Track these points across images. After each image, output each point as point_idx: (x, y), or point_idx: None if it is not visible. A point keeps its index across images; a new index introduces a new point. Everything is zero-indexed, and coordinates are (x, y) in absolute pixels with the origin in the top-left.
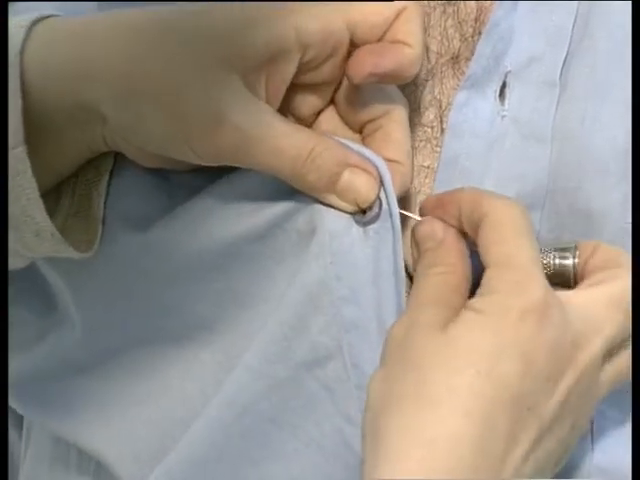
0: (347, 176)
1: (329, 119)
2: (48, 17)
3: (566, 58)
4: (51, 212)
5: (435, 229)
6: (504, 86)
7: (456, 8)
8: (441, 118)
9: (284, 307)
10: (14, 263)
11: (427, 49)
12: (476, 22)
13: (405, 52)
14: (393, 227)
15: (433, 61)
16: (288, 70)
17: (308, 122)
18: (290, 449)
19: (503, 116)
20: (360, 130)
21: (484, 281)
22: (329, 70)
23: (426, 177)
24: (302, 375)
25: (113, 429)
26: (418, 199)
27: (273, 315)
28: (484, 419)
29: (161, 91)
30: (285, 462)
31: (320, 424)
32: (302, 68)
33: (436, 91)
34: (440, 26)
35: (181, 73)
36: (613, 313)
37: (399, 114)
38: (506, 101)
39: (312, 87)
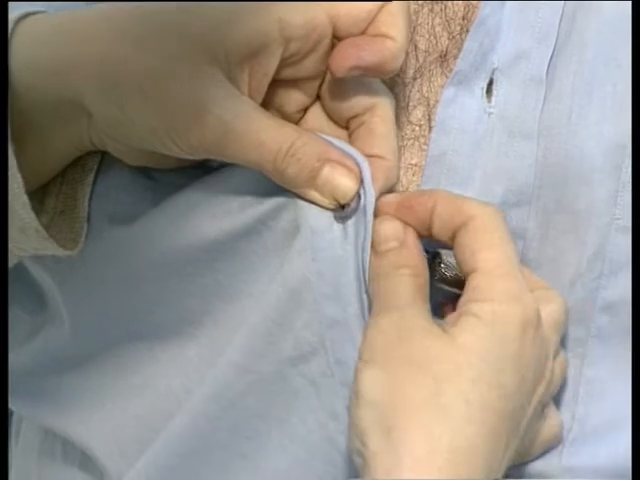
0: (327, 171)
1: (316, 116)
2: (34, 13)
3: (553, 55)
4: (37, 211)
5: (397, 229)
6: (491, 83)
7: (444, 6)
8: (429, 116)
9: (268, 303)
10: None
11: (415, 47)
12: (464, 20)
13: (388, 45)
14: (366, 223)
15: (421, 59)
16: (270, 64)
17: (295, 119)
18: (276, 443)
19: (490, 113)
20: (346, 126)
21: (473, 286)
22: (312, 64)
23: (414, 175)
24: (287, 370)
25: (100, 423)
26: None
27: (257, 310)
28: (494, 432)
29: (144, 83)
30: (271, 456)
31: (305, 419)
32: (284, 62)
33: (424, 89)
34: (428, 24)
35: (164, 65)
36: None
37: (383, 109)
38: (493, 98)
39: (296, 83)
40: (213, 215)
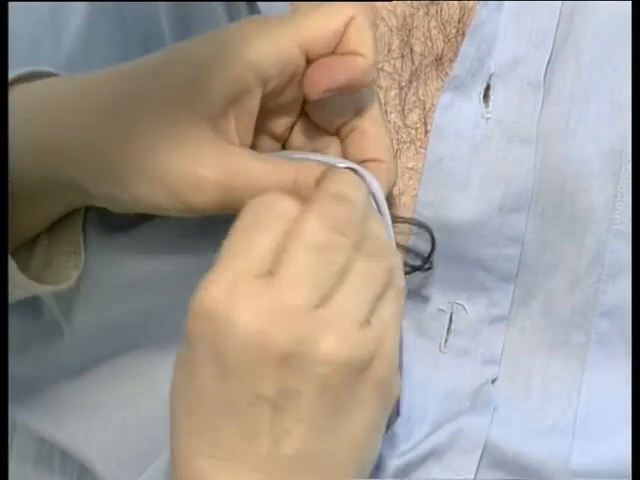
0: None
1: (304, 129)
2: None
3: (550, 59)
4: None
5: None
6: (488, 88)
7: (439, 9)
8: (425, 119)
9: None
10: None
11: (411, 50)
12: (459, 23)
13: (358, 62)
14: (388, 232)
15: (417, 62)
16: (252, 105)
17: (284, 137)
18: None
19: (487, 118)
20: (336, 133)
21: None
22: (292, 92)
23: (410, 179)
24: None
25: (97, 433)
26: (402, 200)
27: None
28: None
29: (139, 164)
30: None
31: None
32: (265, 98)
33: (420, 92)
34: (423, 27)
35: (153, 139)
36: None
37: (372, 111)
38: (490, 103)
39: (280, 108)
40: (212, 224)
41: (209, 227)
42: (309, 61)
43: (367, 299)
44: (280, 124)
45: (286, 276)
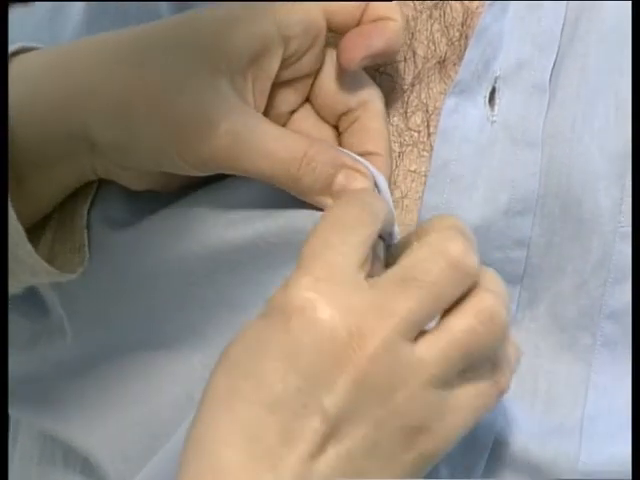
0: (342, 178)
1: (304, 117)
2: (26, 50)
3: (555, 62)
4: (41, 226)
5: None
6: (494, 91)
7: (442, 12)
8: (428, 122)
9: None
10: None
11: (414, 53)
12: (463, 26)
13: (390, 26)
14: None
15: (420, 65)
16: (272, 66)
17: (284, 120)
18: None
19: (493, 121)
20: (336, 125)
21: None
22: (309, 62)
23: (413, 181)
24: None
25: (102, 428)
26: (405, 203)
27: None
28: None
29: (149, 104)
30: None
31: None
32: (285, 62)
33: (423, 95)
34: (427, 30)
35: (167, 83)
36: (404, 288)
37: (375, 104)
38: (496, 106)
39: (291, 83)
40: (214, 224)
41: (212, 224)
42: (333, 31)
43: (458, 363)
44: (286, 103)
45: (386, 302)
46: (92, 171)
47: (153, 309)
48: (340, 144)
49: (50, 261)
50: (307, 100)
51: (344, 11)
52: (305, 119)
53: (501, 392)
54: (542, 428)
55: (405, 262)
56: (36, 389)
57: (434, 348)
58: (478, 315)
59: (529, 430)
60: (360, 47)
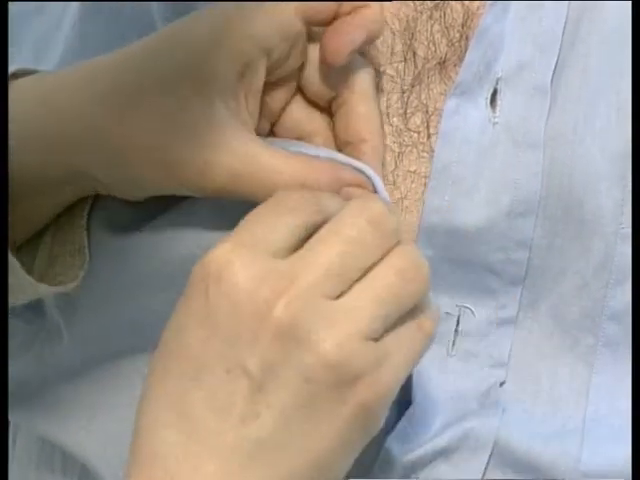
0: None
1: (296, 109)
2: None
3: (557, 64)
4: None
5: None
6: (495, 93)
7: (443, 13)
8: (428, 123)
9: None
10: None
11: (414, 54)
12: (463, 27)
13: (368, 16)
14: None
15: (420, 66)
16: (259, 79)
17: (277, 116)
18: None
19: (495, 123)
20: (329, 110)
21: None
22: (294, 61)
23: (413, 182)
24: None
25: (98, 432)
26: (405, 204)
27: None
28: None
29: (150, 148)
30: None
31: None
32: (270, 70)
33: (423, 96)
34: (427, 31)
35: (167, 124)
36: (325, 243)
37: (361, 85)
38: (497, 108)
39: (279, 82)
40: (214, 229)
41: (214, 227)
42: (313, 26)
43: (383, 314)
44: (278, 100)
45: (306, 257)
46: (92, 190)
47: (150, 313)
48: (333, 129)
49: (51, 264)
50: (299, 88)
51: (320, 7)
52: (298, 110)
53: (427, 336)
54: (544, 429)
55: (328, 224)
56: (32, 392)
57: (360, 300)
58: (401, 269)
59: (531, 431)
60: (344, 43)
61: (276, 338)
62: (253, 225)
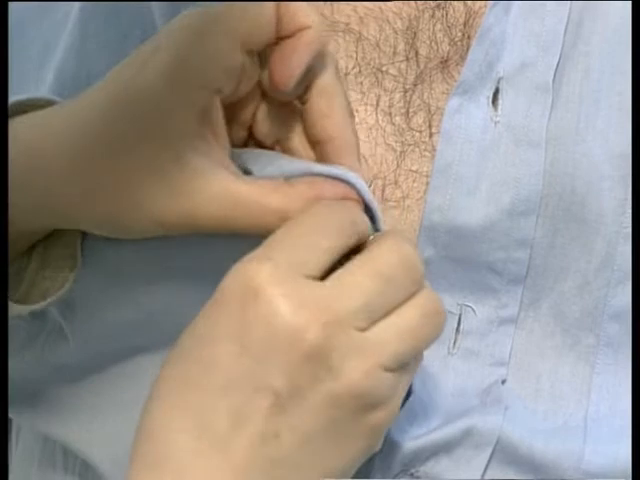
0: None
1: (266, 116)
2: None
3: (559, 63)
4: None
5: None
6: (497, 92)
7: (445, 12)
8: (430, 122)
9: None
10: None
11: (416, 53)
12: (465, 26)
13: (311, 36)
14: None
15: (422, 65)
16: (218, 115)
17: (248, 126)
18: None
19: (496, 122)
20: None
21: None
22: (249, 82)
23: (414, 181)
24: None
25: (100, 430)
26: (406, 203)
27: None
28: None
29: (131, 204)
30: None
31: None
32: (227, 99)
33: (425, 95)
34: (429, 30)
35: (146, 178)
36: (361, 278)
37: (321, 82)
38: (499, 107)
39: (242, 100)
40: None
41: (212, 237)
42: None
43: (408, 348)
44: (246, 111)
45: (344, 286)
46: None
47: (151, 312)
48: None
49: (43, 267)
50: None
51: (258, 35)
52: (270, 114)
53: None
54: (546, 427)
55: (364, 256)
56: (33, 391)
57: (386, 335)
58: (425, 313)
59: (533, 428)
60: (291, 70)
61: (307, 361)
62: (291, 244)
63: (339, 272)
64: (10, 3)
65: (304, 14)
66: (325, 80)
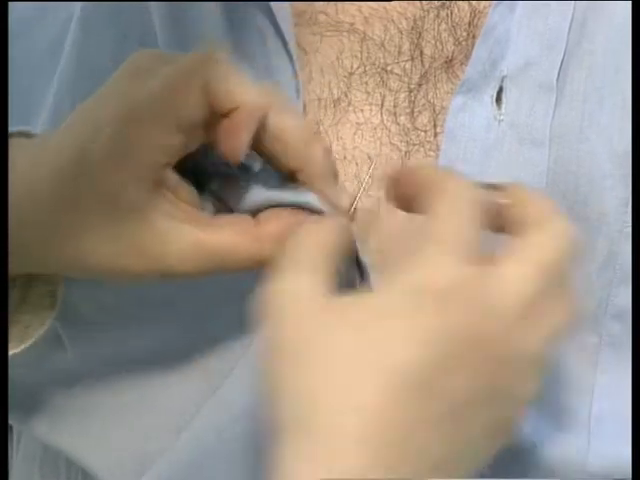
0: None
1: None
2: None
3: (563, 61)
4: None
5: None
6: (501, 90)
7: (449, 12)
8: (435, 122)
9: None
10: None
11: (421, 53)
12: (470, 26)
13: (242, 115)
14: None
15: (427, 65)
16: (173, 175)
17: None
18: None
19: (500, 120)
20: None
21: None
22: (199, 139)
23: None
24: None
25: (97, 436)
26: None
27: None
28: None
29: (101, 262)
30: None
31: None
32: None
33: (430, 95)
34: (434, 29)
35: (111, 244)
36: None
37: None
38: (503, 105)
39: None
40: None
41: None
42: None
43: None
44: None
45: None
46: None
47: (149, 322)
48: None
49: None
50: None
51: (190, 116)
52: None
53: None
54: (549, 427)
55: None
56: (28, 397)
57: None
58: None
59: (536, 429)
60: (232, 148)
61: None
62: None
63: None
64: (10, 3)
65: (238, 92)
66: (275, 121)
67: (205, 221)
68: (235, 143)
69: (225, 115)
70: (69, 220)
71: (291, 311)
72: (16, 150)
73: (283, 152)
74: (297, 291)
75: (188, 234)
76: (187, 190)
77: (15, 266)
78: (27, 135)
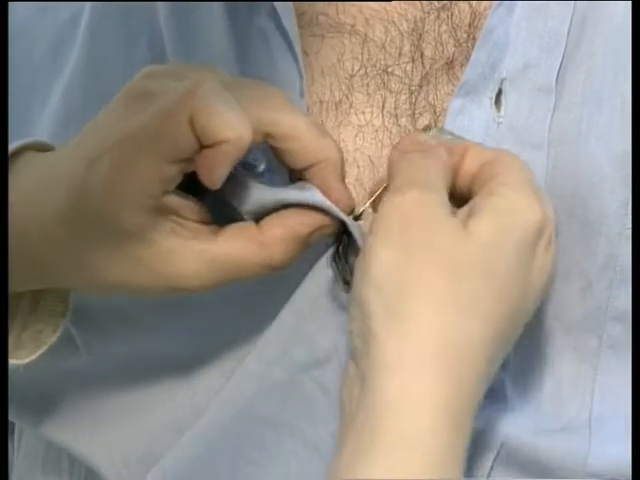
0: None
1: None
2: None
3: (562, 64)
4: None
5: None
6: (500, 93)
7: (450, 13)
8: (435, 124)
9: (284, 311)
10: None
11: (421, 55)
12: (470, 28)
13: (226, 150)
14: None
15: (427, 67)
16: (174, 196)
17: None
18: (288, 450)
19: (499, 123)
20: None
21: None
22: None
23: None
24: (300, 377)
25: (103, 435)
26: None
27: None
28: (500, 333)
29: (111, 282)
30: (283, 462)
31: (317, 426)
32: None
33: (430, 97)
34: (434, 31)
35: (113, 265)
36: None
37: (281, 126)
38: (502, 108)
39: None
40: None
41: None
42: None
43: None
44: None
45: None
46: None
47: (155, 325)
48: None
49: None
50: None
51: (179, 150)
52: None
53: None
54: (550, 428)
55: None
56: (34, 394)
57: None
58: None
59: (537, 430)
60: (212, 179)
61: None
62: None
63: None
64: (10, 3)
65: (223, 128)
66: (280, 123)
67: (212, 234)
68: (213, 177)
69: (210, 146)
70: (79, 243)
71: (429, 215)
72: (25, 169)
73: (299, 148)
74: (430, 201)
75: (196, 249)
76: (191, 207)
77: (24, 283)
78: (40, 147)
